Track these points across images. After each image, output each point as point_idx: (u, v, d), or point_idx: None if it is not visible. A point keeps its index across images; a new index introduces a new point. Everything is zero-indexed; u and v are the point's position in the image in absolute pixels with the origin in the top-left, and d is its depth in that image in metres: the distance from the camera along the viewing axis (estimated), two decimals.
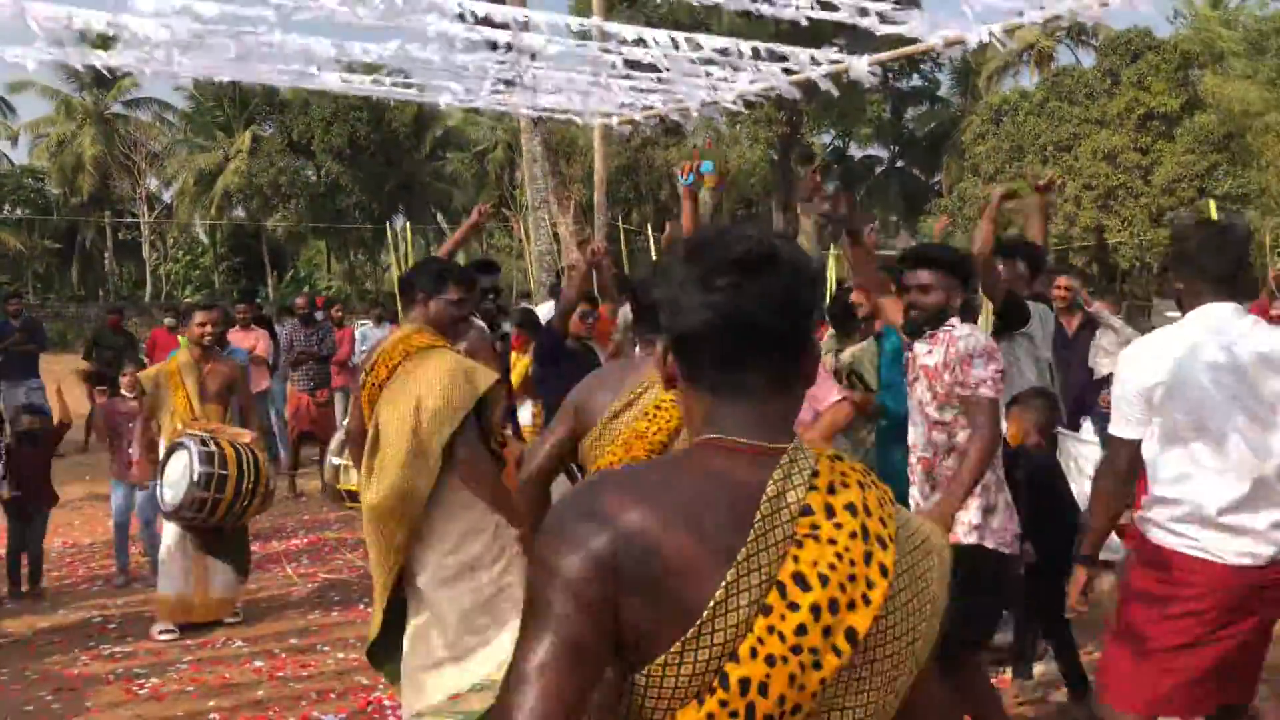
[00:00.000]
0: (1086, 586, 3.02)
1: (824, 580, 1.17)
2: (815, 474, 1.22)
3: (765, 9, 5.38)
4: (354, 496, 5.03)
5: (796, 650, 1.15)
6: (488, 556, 3.61)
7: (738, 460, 1.22)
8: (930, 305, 3.50)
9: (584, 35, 6.49)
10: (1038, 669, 4.48)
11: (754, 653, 1.14)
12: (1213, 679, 2.85)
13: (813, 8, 5.44)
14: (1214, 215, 6.06)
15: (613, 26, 6.25)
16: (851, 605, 1.18)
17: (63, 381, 8.38)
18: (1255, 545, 2.77)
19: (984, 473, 3.32)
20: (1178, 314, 3.02)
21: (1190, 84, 30.03)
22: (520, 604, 1.34)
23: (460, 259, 5.95)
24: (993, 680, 4.40)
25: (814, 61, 6.30)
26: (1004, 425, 4.52)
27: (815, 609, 1.16)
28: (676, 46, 6.14)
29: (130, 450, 6.35)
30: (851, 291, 5.20)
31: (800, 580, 1.16)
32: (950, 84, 41.08)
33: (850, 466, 1.27)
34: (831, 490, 1.22)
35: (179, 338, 9.81)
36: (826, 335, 5.44)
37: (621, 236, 19.33)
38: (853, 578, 1.18)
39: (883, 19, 5.50)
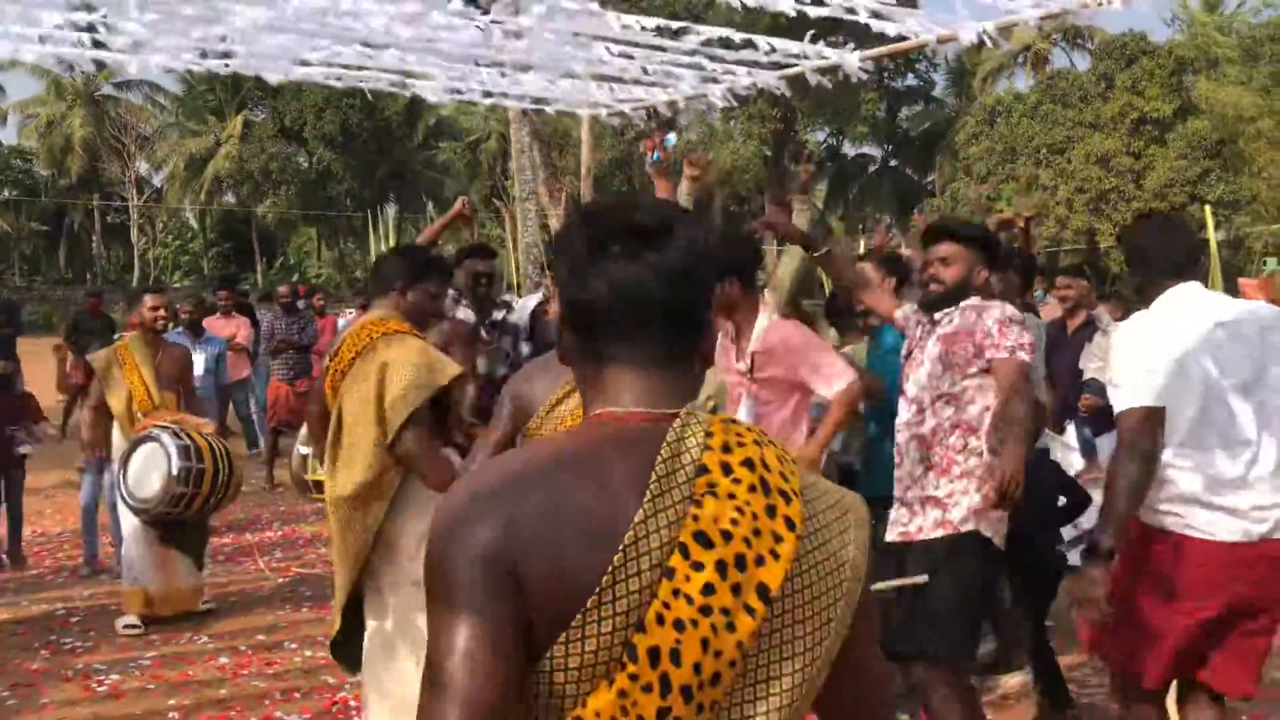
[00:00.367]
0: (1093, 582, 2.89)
1: (727, 536, 1.12)
2: (709, 434, 1.18)
3: (754, 1, 5.26)
4: (320, 487, 4.92)
5: (706, 611, 1.09)
6: None
7: (629, 428, 1.19)
8: (949, 278, 3.35)
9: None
10: (1017, 678, 4.40)
11: (660, 619, 1.09)
12: (1203, 650, 2.91)
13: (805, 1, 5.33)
14: (1209, 221, 6.00)
15: (602, 12, 6.11)
16: (760, 560, 1.13)
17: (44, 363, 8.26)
18: (1247, 523, 2.82)
19: (1023, 431, 3.18)
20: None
21: (1184, 89, 30.06)
22: None
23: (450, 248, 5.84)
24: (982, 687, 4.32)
25: (805, 56, 6.17)
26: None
27: (721, 566, 1.11)
28: (675, 35, 6.03)
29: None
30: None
31: (702, 538, 1.11)
32: (945, 84, 41.06)
33: (746, 427, 1.22)
34: (726, 449, 1.17)
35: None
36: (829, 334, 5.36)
37: None
38: (757, 532, 1.14)
39: (876, 15, 5.40)
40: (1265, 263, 6.02)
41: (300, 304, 10.24)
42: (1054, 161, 31.30)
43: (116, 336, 9.55)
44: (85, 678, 4.77)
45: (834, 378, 3.66)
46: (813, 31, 5.96)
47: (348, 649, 3.68)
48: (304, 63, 6.68)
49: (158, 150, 39.35)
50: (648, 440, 1.16)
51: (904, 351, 3.55)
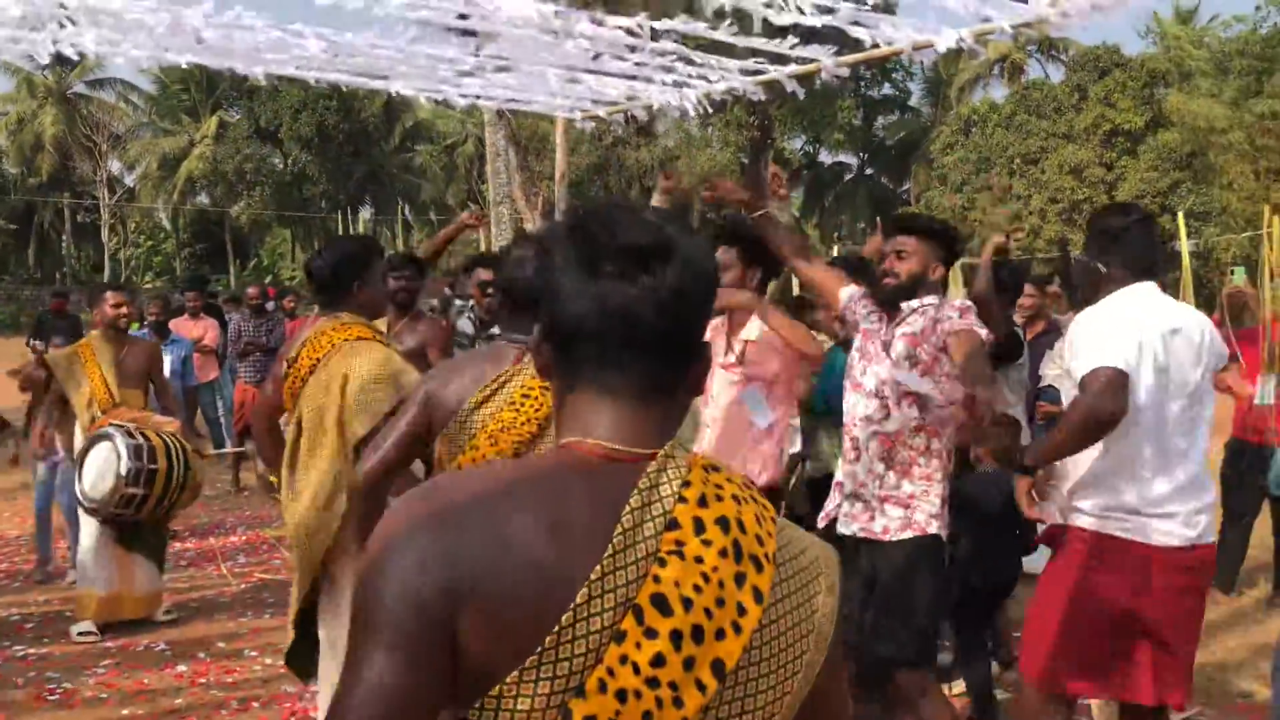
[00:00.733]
0: (1032, 490, 3.01)
1: (687, 604, 1.02)
2: (686, 484, 1.07)
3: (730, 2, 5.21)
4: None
5: (653, 684, 1.00)
6: None
7: (601, 467, 1.08)
8: (905, 271, 3.33)
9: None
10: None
11: (603, 686, 0.99)
12: (1134, 659, 2.92)
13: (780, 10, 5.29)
14: (1182, 231, 6.01)
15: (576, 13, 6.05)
16: (720, 634, 1.03)
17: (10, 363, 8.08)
18: (1184, 528, 2.86)
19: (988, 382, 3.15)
20: None
21: (1155, 102, 30.38)
22: None
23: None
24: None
25: (780, 60, 6.14)
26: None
27: (676, 636, 1.01)
28: (655, 37, 5.98)
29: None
30: None
31: (660, 603, 1.02)
32: (921, 93, 41.29)
33: (727, 478, 1.12)
34: (703, 503, 1.07)
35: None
36: None
37: None
38: (721, 602, 1.04)
39: (855, 23, 5.37)
40: (1232, 271, 6.10)
41: (269, 306, 10.11)
42: (1028, 171, 31.53)
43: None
44: (37, 686, 4.65)
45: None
46: (791, 39, 5.91)
47: (303, 658, 3.60)
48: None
49: (130, 150, 38.97)
50: (618, 483, 1.06)
51: (857, 343, 3.49)
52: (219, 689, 4.65)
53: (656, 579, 1.02)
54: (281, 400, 3.62)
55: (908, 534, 3.25)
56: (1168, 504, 2.88)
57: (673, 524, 1.05)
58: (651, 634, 1.01)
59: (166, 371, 7.35)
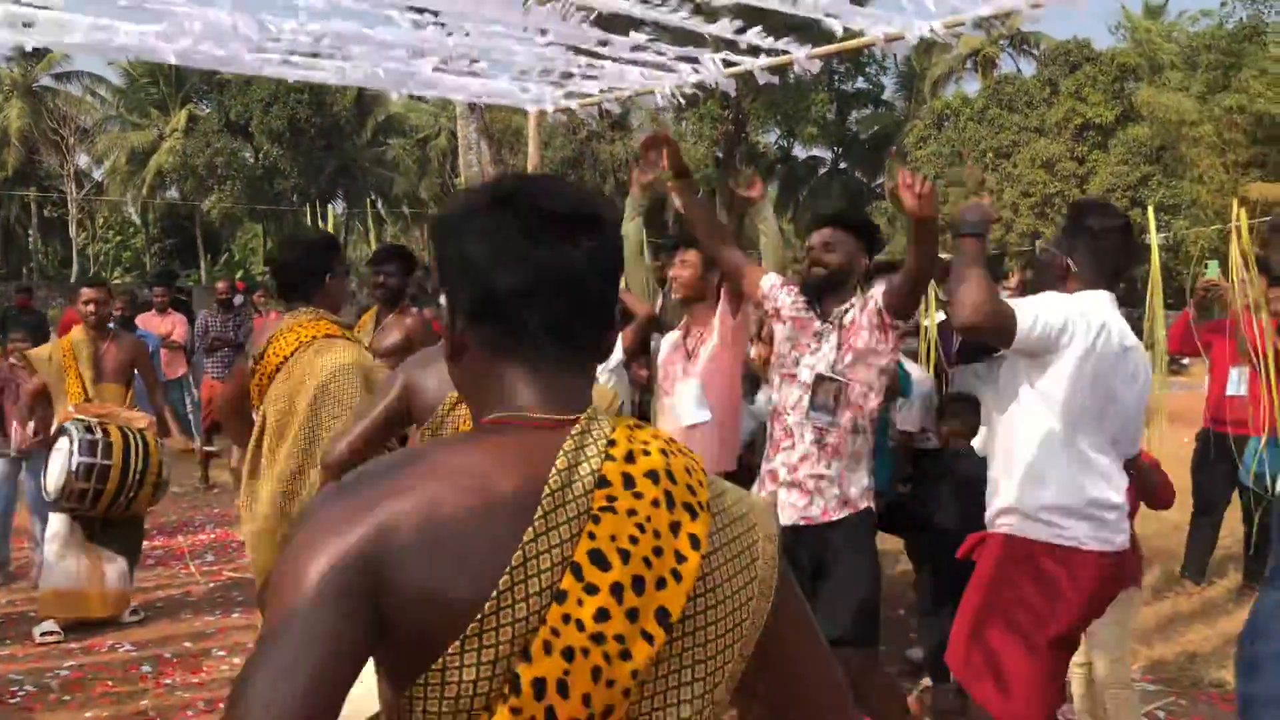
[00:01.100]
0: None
1: (625, 556, 1.02)
2: (612, 443, 1.08)
3: None
4: None
5: (599, 639, 1.00)
6: None
7: (526, 434, 1.08)
8: (832, 263, 3.41)
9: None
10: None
11: (548, 647, 0.99)
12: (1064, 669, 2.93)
13: None
14: (1151, 224, 6.03)
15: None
16: (661, 583, 1.03)
17: None
18: (1111, 534, 2.82)
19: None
20: None
21: (1126, 96, 30.63)
22: None
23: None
24: (912, 692, 4.28)
25: (752, 53, 6.11)
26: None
27: (617, 589, 1.01)
28: (627, 29, 5.94)
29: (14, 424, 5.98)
30: None
31: (598, 558, 1.02)
32: (895, 88, 41.41)
33: (652, 434, 1.13)
34: (630, 459, 1.07)
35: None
36: None
37: None
38: (659, 551, 1.04)
39: (827, 14, 5.34)
40: (1206, 265, 6.10)
41: (238, 301, 9.99)
42: (1000, 165, 31.72)
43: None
44: None
45: None
46: (759, 29, 5.89)
47: None
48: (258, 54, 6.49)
49: (98, 143, 38.42)
50: (544, 449, 1.06)
51: (786, 332, 3.49)
52: (185, 690, 4.57)
53: (592, 535, 1.02)
54: (245, 389, 3.56)
55: (845, 512, 3.31)
56: (1104, 510, 2.82)
57: (602, 481, 1.05)
58: (592, 589, 1.00)
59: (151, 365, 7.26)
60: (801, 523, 3.32)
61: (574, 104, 7.92)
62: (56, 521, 5.28)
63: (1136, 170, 29.65)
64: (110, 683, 4.66)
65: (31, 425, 5.71)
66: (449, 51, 6.62)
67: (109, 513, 5.22)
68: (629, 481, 1.06)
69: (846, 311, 3.39)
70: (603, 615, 1.00)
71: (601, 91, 7.47)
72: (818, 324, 3.42)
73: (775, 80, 6.35)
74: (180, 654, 5.02)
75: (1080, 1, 4.94)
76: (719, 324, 3.87)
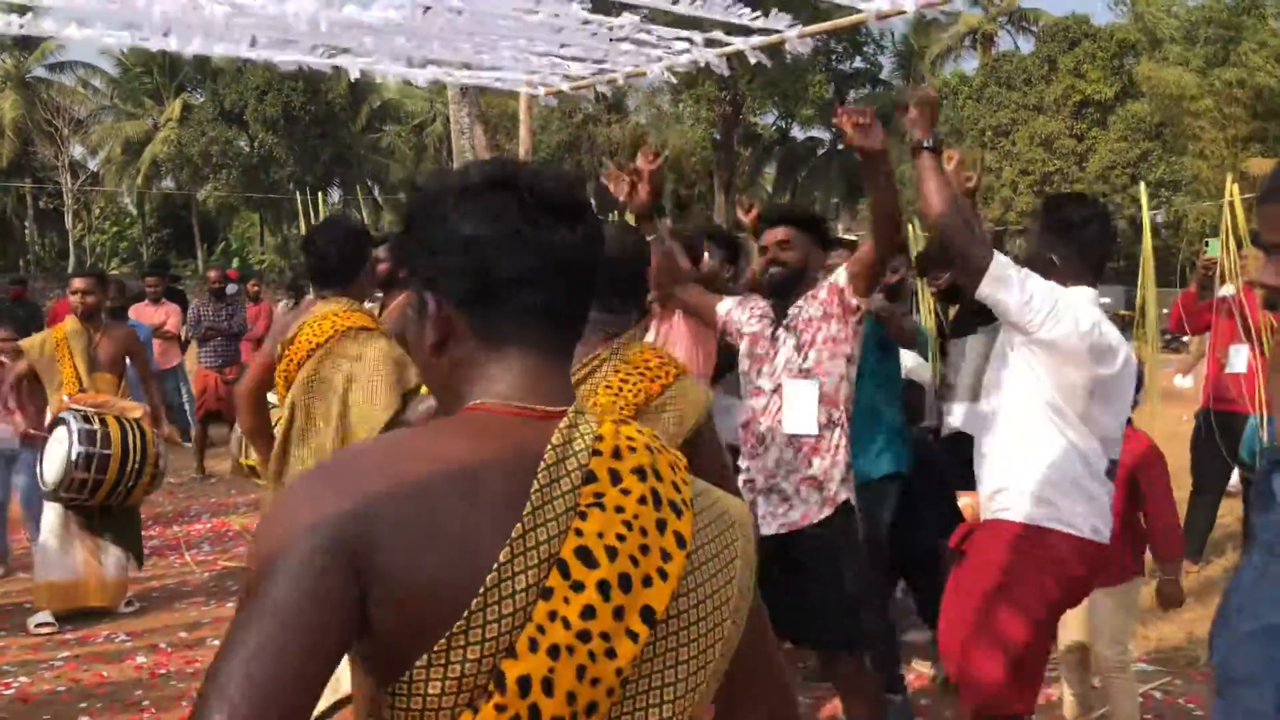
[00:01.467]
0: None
1: (612, 554, 1.02)
2: (599, 438, 1.07)
3: None
4: (255, 472, 4.75)
5: (584, 637, 0.99)
6: None
7: (513, 425, 1.07)
8: (792, 260, 3.35)
9: None
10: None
11: (534, 645, 0.97)
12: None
13: None
14: (1144, 201, 5.98)
15: None
16: (647, 581, 1.03)
17: None
18: (1100, 520, 2.79)
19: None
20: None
21: (1125, 72, 30.49)
22: None
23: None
24: (909, 676, 4.26)
25: (745, 31, 6.05)
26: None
27: (604, 586, 1.00)
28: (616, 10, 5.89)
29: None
30: None
31: (585, 555, 1.01)
32: (893, 67, 41.19)
33: (637, 430, 1.11)
34: (617, 455, 1.07)
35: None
36: None
37: None
38: (645, 549, 1.04)
39: None
40: (1207, 243, 6.05)
41: (231, 289, 9.95)
42: (999, 144, 31.60)
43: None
44: None
45: None
46: (749, 8, 5.83)
47: None
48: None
49: (93, 134, 38.29)
50: (532, 441, 1.04)
51: (745, 349, 3.42)
52: (180, 680, 4.56)
53: (579, 532, 1.01)
54: (266, 377, 3.50)
55: (826, 511, 3.22)
56: (1093, 491, 2.80)
57: (590, 477, 1.04)
58: (579, 587, 1.00)
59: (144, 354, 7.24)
60: (783, 531, 3.24)
61: (565, 86, 7.87)
62: (51, 513, 5.26)
63: (1136, 147, 29.56)
64: (105, 673, 4.64)
65: (18, 417, 5.67)
66: (437, 33, 6.57)
67: (107, 502, 5.20)
68: (616, 478, 1.05)
69: (801, 309, 3.31)
70: (589, 613, 0.99)
71: (593, 74, 7.43)
72: (769, 331, 3.35)
73: (766, 60, 6.28)
74: (175, 644, 5.01)
75: None
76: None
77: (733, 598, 1.11)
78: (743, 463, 3.38)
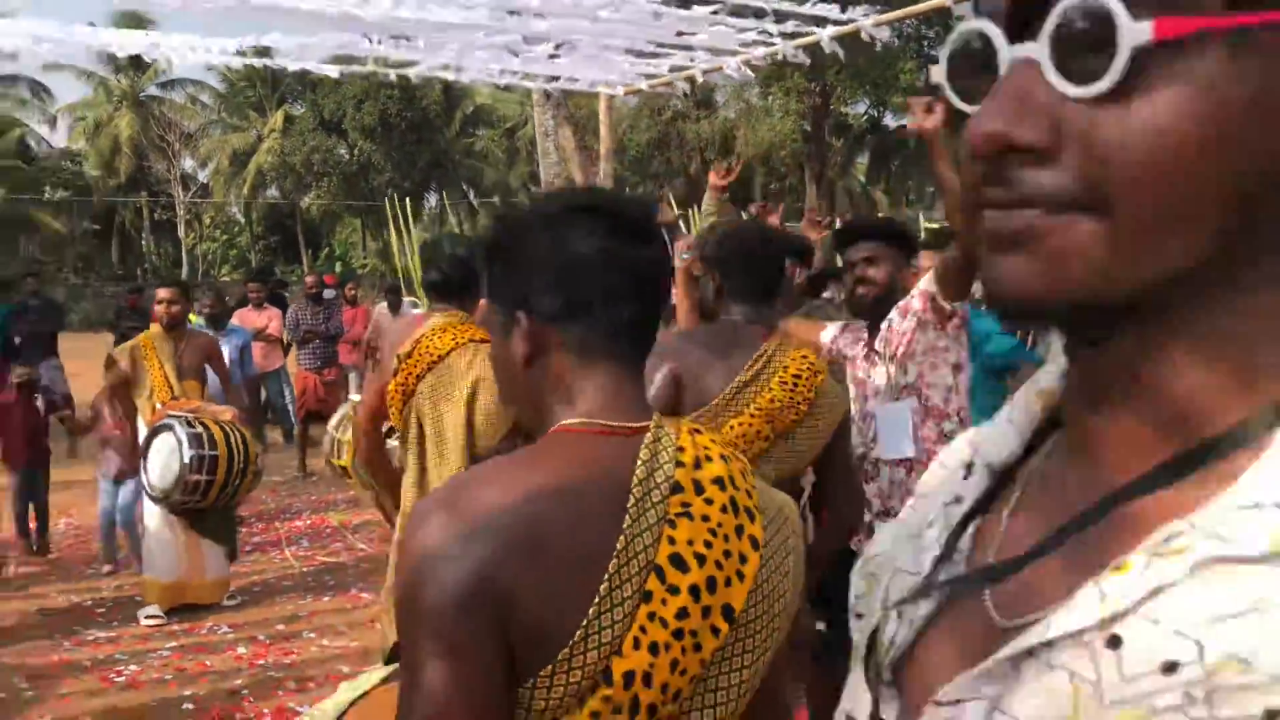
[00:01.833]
0: None
1: (700, 559, 1.13)
2: (680, 450, 1.18)
3: None
4: (347, 472, 4.92)
5: (679, 635, 1.11)
6: None
7: (605, 444, 1.17)
8: (880, 277, 3.19)
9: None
10: None
11: (637, 644, 1.09)
12: None
13: None
14: None
15: None
16: (728, 582, 1.15)
17: (95, 358, 8.32)
18: None
19: None
20: None
21: None
22: None
23: None
24: None
25: (818, 22, 6.02)
26: None
27: (694, 590, 1.12)
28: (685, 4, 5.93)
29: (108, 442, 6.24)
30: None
31: (678, 562, 1.12)
32: None
33: (710, 439, 1.23)
34: (698, 465, 1.18)
35: (189, 316, 9.78)
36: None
37: None
38: (728, 554, 1.15)
39: None
40: None
41: (329, 294, 10.28)
42: None
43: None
44: (105, 668, 4.81)
45: None
46: (819, 9, 5.80)
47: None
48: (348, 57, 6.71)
49: (202, 147, 39.89)
50: (621, 456, 1.15)
51: (849, 375, 3.33)
52: (277, 670, 4.76)
53: (671, 540, 1.12)
54: (382, 405, 3.57)
55: None
56: None
57: (676, 487, 1.15)
58: (674, 590, 1.11)
59: (225, 360, 7.54)
60: None
61: (644, 85, 7.92)
62: (154, 515, 5.50)
63: None
64: (208, 662, 4.87)
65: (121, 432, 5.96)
66: (521, 34, 6.69)
67: (216, 503, 5.44)
68: (699, 488, 1.16)
69: (892, 323, 3.17)
70: (683, 614, 1.11)
71: (671, 70, 7.47)
72: (864, 352, 3.26)
73: (840, 51, 6.24)
74: (273, 636, 5.22)
75: None
76: None
77: (788, 592, 1.22)
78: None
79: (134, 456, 5.61)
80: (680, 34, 6.50)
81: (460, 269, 3.59)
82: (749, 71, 7.10)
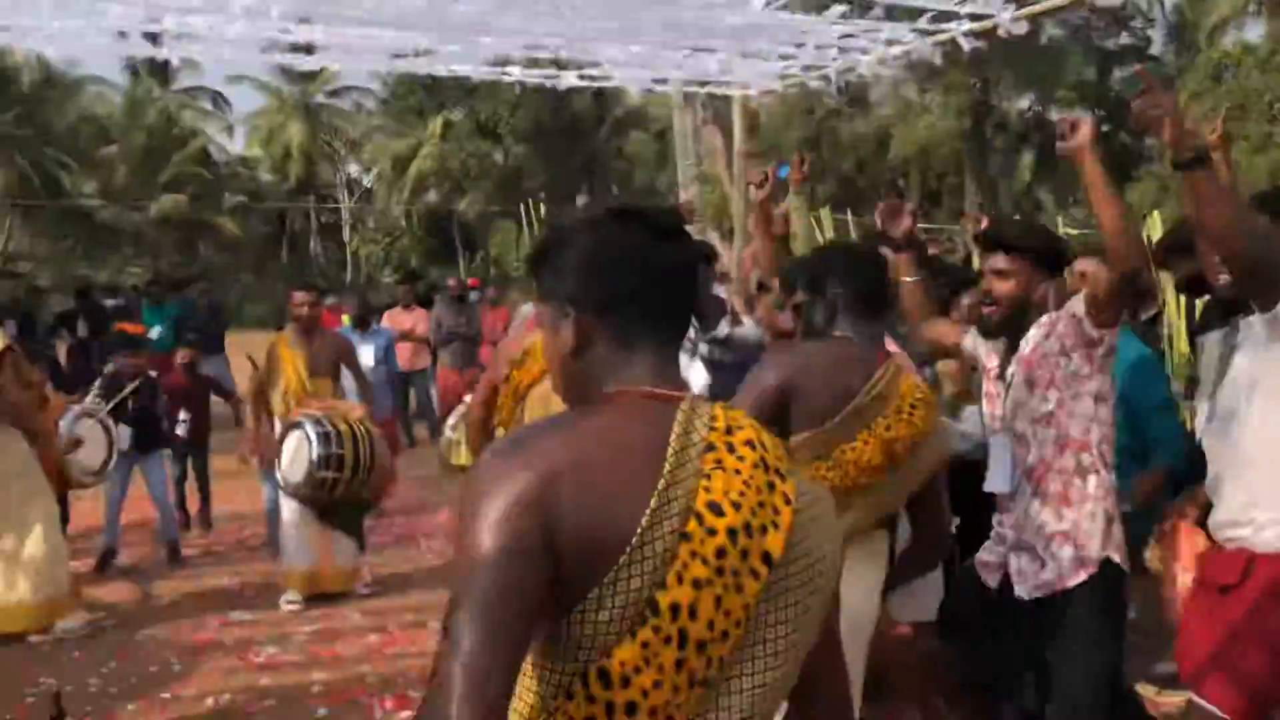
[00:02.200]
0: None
1: (736, 506, 1.25)
2: (714, 417, 1.32)
3: None
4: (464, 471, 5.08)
5: (720, 572, 1.22)
6: None
7: (648, 404, 1.32)
8: (1005, 294, 2.95)
9: None
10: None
11: (680, 577, 1.21)
12: None
13: None
14: None
15: None
16: (764, 529, 1.26)
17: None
18: None
19: None
20: None
21: None
22: None
23: None
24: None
25: (954, 17, 5.84)
26: None
27: (731, 532, 1.24)
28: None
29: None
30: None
31: (714, 508, 1.24)
32: (1163, 41, 38.05)
33: (742, 414, 1.36)
34: (729, 430, 1.31)
35: (342, 317, 10.26)
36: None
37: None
38: (761, 504, 1.27)
39: None
40: None
41: (472, 296, 10.59)
42: None
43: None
44: (245, 649, 5.09)
45: None
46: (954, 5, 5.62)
47: None
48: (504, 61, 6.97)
49: (365, 153, 41.66)
50: (662, 418, 1.29)
51: (984, 387, 3.15)
52: (403, 659, 4.94)
53: (707, 489, 1.25)
54: (494, 400, 3.68)
55: (1082, 575, 2.85)
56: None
57: (710, 446, 1.28)
58: (712, 531, 1.23)
59: (370, 360, 7.88)
60: (1037, 594, 2.90)
61: (778, 85, 7.87)
62: (289, 507, 5.80)
63: None
64: (339, 649, 5.10)
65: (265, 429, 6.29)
66: (660, 33, 6.73)
67: (343, 497, 5.69)
68: (730, 448, 1.29)
69: (1031, 342, 2.94)
70: (721, 553, 1.23)
71: (805, 68, 7.38)
72: (998, 366, 3.07)
73: (980, 45, 6.04)
74: (403, 625, 5.42)
75: None
76: None
77: (824, 572, 1.32)
78: (996, 515, 3.08)
79: (271, 450, 5.91)
80: (818, 34, 6.43)
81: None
82: (882, 70, 6.95)
